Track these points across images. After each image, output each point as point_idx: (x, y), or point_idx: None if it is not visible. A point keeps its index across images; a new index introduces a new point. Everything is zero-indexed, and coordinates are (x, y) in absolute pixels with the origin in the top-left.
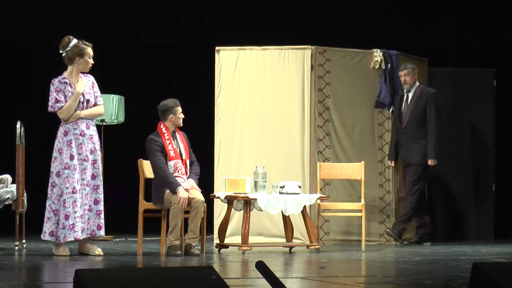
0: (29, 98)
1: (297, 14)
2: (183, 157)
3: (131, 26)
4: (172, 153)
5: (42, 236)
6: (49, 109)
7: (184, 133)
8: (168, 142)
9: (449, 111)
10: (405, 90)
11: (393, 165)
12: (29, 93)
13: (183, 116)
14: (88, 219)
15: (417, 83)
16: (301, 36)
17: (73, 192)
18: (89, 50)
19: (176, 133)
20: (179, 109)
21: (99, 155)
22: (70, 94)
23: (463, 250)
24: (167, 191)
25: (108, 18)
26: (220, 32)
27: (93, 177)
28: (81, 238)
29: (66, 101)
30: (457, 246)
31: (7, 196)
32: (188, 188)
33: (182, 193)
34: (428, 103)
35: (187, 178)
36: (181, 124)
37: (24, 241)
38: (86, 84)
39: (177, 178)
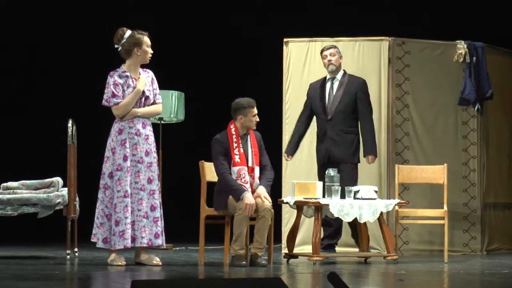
0: (80, 95)
1: (371, 4)
2: (249, 164)
3: (191, 18)
4: (237, 159)
5: (93, 240)
6: (103, 102)
7: (258, 134)
8: (235, 145)
9: None
10: (328, 76)
11: (290, 159)
12: (81, 89)
13: (257, 120)
14: (144, 226)
15: (342, 70)
16: (376, 26)
17: (124, 196)
18: (146, 39)
19: (248, 136)
20: (253, 111)
21: (155, 158)
22: (131, 88)
23: None
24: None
25: (167, 9)
26: (288, 23)
27: (149, 181)
28: (130, 246)
29: (123, 97)
30: None
31: (58, 201)
32: (252, 201)
33: (248, 199)
34: (358, 93)
35: (258, 185)
36: (254, 128)
37: (76, 249)
38: (146, 81)
39: None
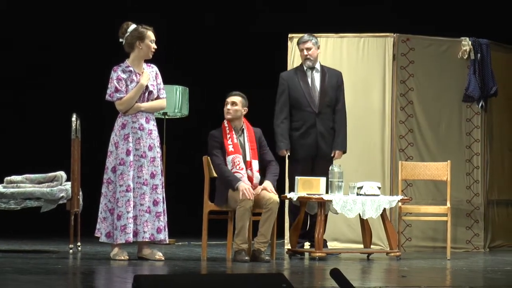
0: (84, 89)
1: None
2: (247, 158)
3: (197, 13)
4: (230, 148)
5: (97, 235)
6: (107, 97)
7: (259, 130)
8: (228, 136)
9: None
10: (305, 68)
11: (288, 153)
12: (85, 84)
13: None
14: (146, 221)
15: (318, 61)
16: (382, 23)
17: (127, 191)
18: (150, 33)
19: (245, 130)
20: (227, 100)
21: (158, 152)
22: (135, 83)
23: None
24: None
25: (174, 4)
26: (294, 18)
27: (152, 175)
28: (132, 241)
29: (127, 92)
30: None
31: (61, 195)
32: (248, 185)
33: (242, 185)
34: (340, 85)
35: (265, 179)
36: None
37: (79, 243)
38: (150, 76)
39: (235, 174)
